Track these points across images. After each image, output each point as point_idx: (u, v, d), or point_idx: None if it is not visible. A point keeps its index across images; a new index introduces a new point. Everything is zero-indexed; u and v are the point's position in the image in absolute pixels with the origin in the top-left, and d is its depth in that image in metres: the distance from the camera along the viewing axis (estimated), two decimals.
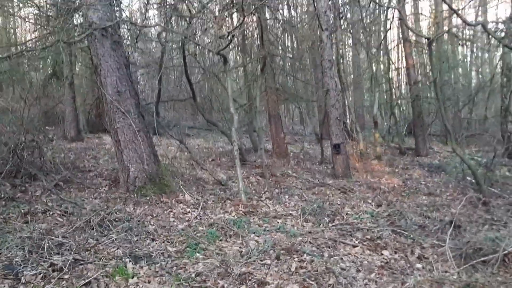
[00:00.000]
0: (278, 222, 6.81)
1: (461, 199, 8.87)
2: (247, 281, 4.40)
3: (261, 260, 5.02)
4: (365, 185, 9.56)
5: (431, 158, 14.60)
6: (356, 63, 21.30)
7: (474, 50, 12.59)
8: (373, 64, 13.87)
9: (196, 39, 9.67)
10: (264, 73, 9.77)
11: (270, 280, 4.44)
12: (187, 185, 8.05)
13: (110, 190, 7.56)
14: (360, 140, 13.22)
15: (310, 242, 5.85)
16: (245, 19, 7.67)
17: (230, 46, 9.95)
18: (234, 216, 6.76)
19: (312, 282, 4.51)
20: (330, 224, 6.73)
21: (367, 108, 21.86)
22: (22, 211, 5.92)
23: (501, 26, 9.51)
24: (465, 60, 19.90)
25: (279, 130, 12.70)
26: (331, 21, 9.92)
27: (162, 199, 7.13)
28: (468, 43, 11.51)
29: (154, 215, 6.46)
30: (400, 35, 15.46)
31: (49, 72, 15.30)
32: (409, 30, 8.48)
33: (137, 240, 5.44)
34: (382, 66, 14.51)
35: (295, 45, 16.43)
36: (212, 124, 11.39)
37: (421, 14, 16.05)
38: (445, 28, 15.43)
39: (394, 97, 17.28)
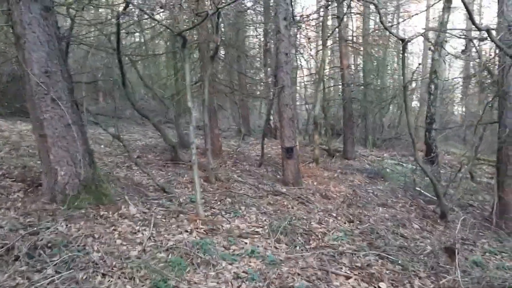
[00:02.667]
0: (246, 243, 5.73)
1: (415, 211, 8.54)
2: None
3: None
4: (318, 193, 8.81)
5: (359, 161, 14.41)
6: None
7: (441, 55, 12.54)
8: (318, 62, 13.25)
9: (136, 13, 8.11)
10: (214, 61, 8.52)
11: None
12: (127, 193, 6.61)
13: (27, 197, 5.84)
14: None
15: (298, 273, 4.87)
16: None
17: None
18: (195, 237, 5.52)
19: None
20: (307, 247, 5.80)
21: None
22: None
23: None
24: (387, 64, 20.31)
25: (214, 126, 11.50)
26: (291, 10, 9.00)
27: (100, 213, 5.64)
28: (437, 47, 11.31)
29: (96, 236, 4.98)
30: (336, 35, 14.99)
31: None
32: (386, 30, 7.83)
33: (85, 278, 4.02)
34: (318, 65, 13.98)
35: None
36: (144, 116, 9.85)
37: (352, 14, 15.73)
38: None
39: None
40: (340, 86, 15.23)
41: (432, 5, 19.71)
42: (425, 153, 15.73)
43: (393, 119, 21.29)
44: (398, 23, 19.63)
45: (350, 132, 14.68)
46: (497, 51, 8.24)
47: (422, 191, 9.54)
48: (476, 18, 14.92)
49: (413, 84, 19.43)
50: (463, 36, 7.87)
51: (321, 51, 13.65)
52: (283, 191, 8.44)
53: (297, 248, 5.72)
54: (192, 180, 8.28)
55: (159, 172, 9.27)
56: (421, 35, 7.27)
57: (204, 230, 5.77)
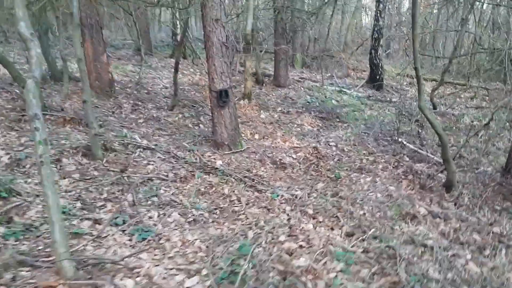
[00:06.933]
0: None
1: (406, 178, 6.00)
2: None
3: None
4: (267, 159, 5.83)
5: (294, 90, 11.55)
6: None
7: None
8: None
9: None
10: None
11: None
12: None
13: None
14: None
15: None
16: None
17: None
18: None
19: None
20: None
21: None
22: None
23: None
24: None
25: (98, 50, 7.75)
26: None
27: None
28: None
29: None
30: None
31: None
32: None
33: None
34: None
35: None
36: None
37: None
38: None
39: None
40: None
41: None
42: (369, 75, 13.25)
43: (320, 32, 18.41)
44: None
45: (283, 52, 11.56)
46: None
47: (405, 142, 6.96)
48: None
49: None
50: None
51: None
52: (217, 165, 5.29)
53: None
54: (63, 151, 4.90)
55: (8, 135, 5.62)
56: None
57: None
